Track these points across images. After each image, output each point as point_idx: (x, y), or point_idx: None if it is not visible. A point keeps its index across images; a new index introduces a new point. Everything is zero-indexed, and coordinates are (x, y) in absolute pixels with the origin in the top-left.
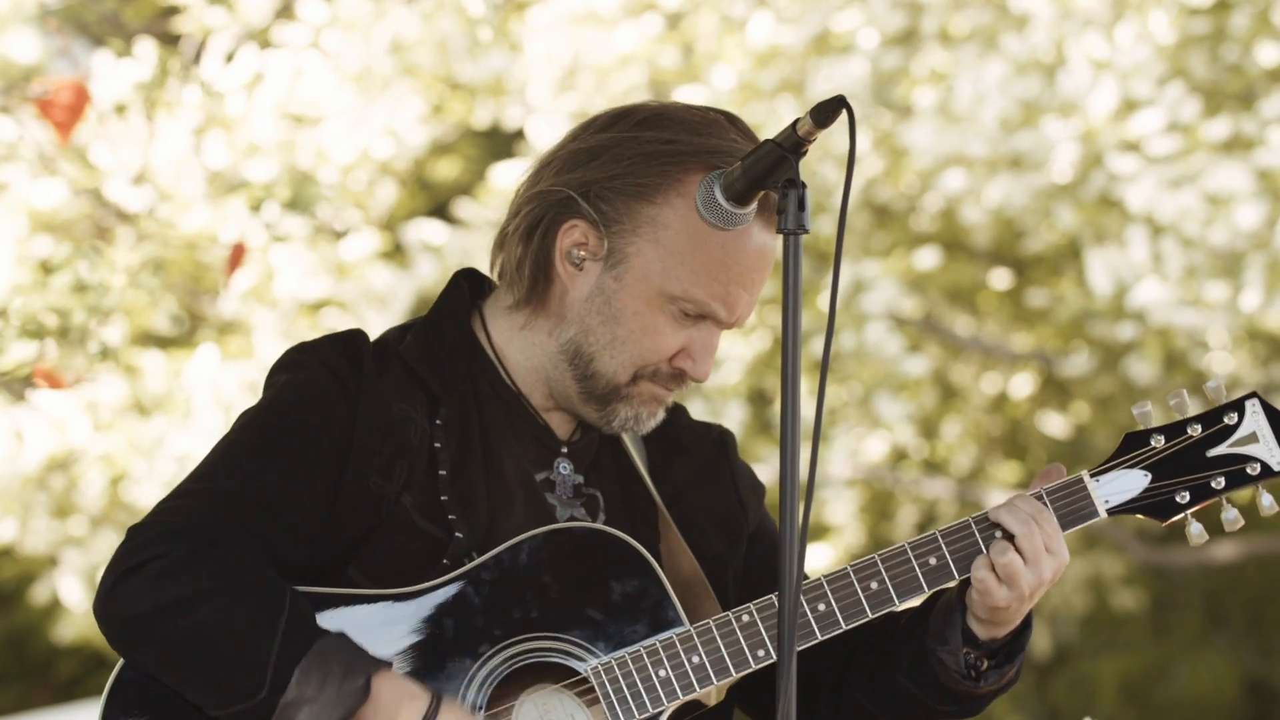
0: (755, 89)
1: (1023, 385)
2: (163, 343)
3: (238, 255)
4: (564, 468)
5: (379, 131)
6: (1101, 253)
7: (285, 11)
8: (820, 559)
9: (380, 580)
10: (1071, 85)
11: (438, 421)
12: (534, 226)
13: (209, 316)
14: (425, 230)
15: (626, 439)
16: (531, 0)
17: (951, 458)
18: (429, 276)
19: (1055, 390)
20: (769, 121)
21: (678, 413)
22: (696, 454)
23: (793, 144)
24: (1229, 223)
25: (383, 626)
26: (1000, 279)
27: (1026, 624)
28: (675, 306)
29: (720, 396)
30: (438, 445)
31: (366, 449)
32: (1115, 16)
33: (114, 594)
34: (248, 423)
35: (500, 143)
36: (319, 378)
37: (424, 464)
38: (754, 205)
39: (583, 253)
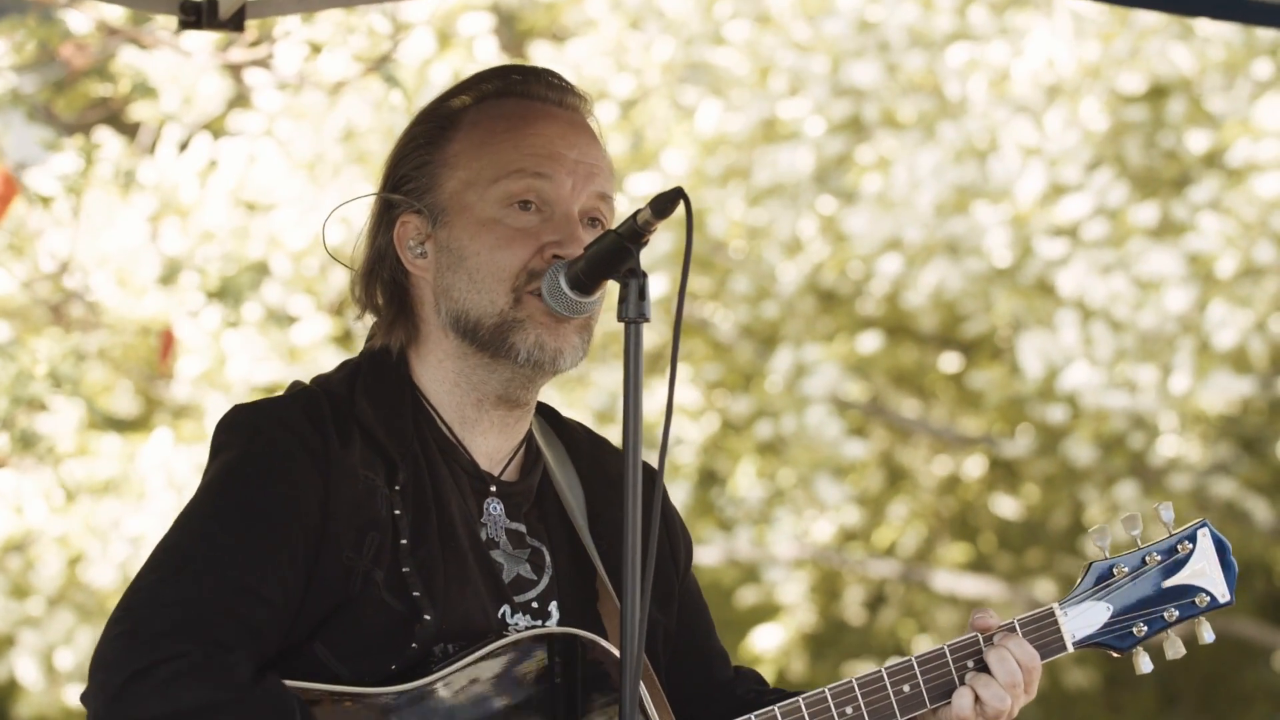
0: (704, 175)
1: (974, 467)
2: (119, 426)
3: (167, 343)
4: (494, 508)
5: (335, 222)
6: (1032, 336)
7: (239, 100)
8: (771, 639)
9: (348, 659)
10: (1002, 170)
11: (396, 488)
12: (376, 256)
13: (164, 400)
14: None
15: (562, 482)
16: None
17: (899, 539)
18: None
19: (1003, 472)
20: (716, 208)
21: (606, 448)
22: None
23: (632, 234)
24: (1159, 307)
25: None
26: (950, 362)
27: None
28: (503, 202)
29: (670, 475)
30: (398, 513)
31: (340, 522)
32: (1048, 103)
33: (122, 696)
34: (217, 494)
35: None
36: (285, 445)
37: (390, 535)
38: (600, 293)
39: (417, 239)
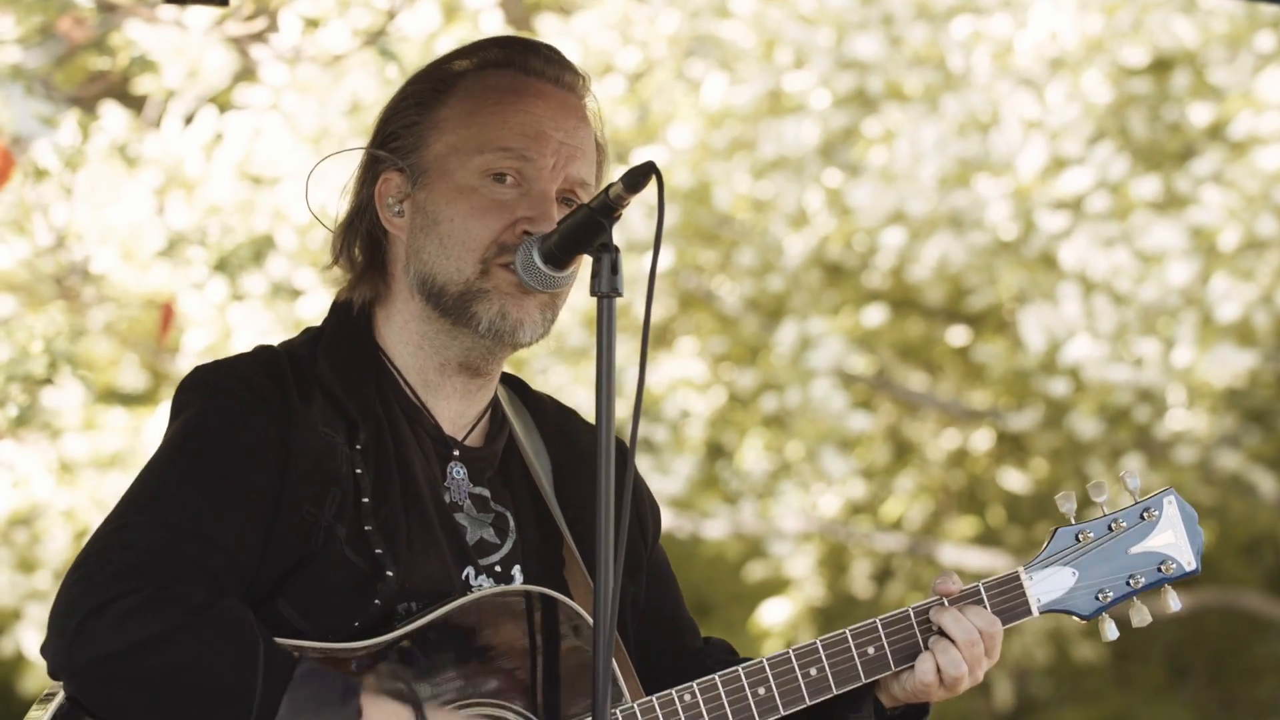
0: (709, 148)
1: (982, 441)
2: (125, 400)
3: (167, 317)
4: (457, 472)
5: (336, 191)
6: (1034, 310)
7: (246, 74)
8: (779, 612)
9: (310, 615)
10: (1003, 144)
11: (358, 446)
12: (357, 210)
13: (170, 374)
14: None
15: (529, 449)
16: None
17: (905, 513)
18: None
19: (1011, 446)
20: (723, 181)
21: (573, 418)
22: (594, 465)
23: (605, 209)
24: (1161, 280)
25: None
26: (957, 336)
27: None
28: (483, 173)
29: (676, 449)
30: (359, 471)
31: (300, 477)
32: (1051, 76)
33: (80, 635)
34: (177, 448)
35: None
36: (244, 400)
37: (351, 492)
38: (573, 267)
39: (397, 197)
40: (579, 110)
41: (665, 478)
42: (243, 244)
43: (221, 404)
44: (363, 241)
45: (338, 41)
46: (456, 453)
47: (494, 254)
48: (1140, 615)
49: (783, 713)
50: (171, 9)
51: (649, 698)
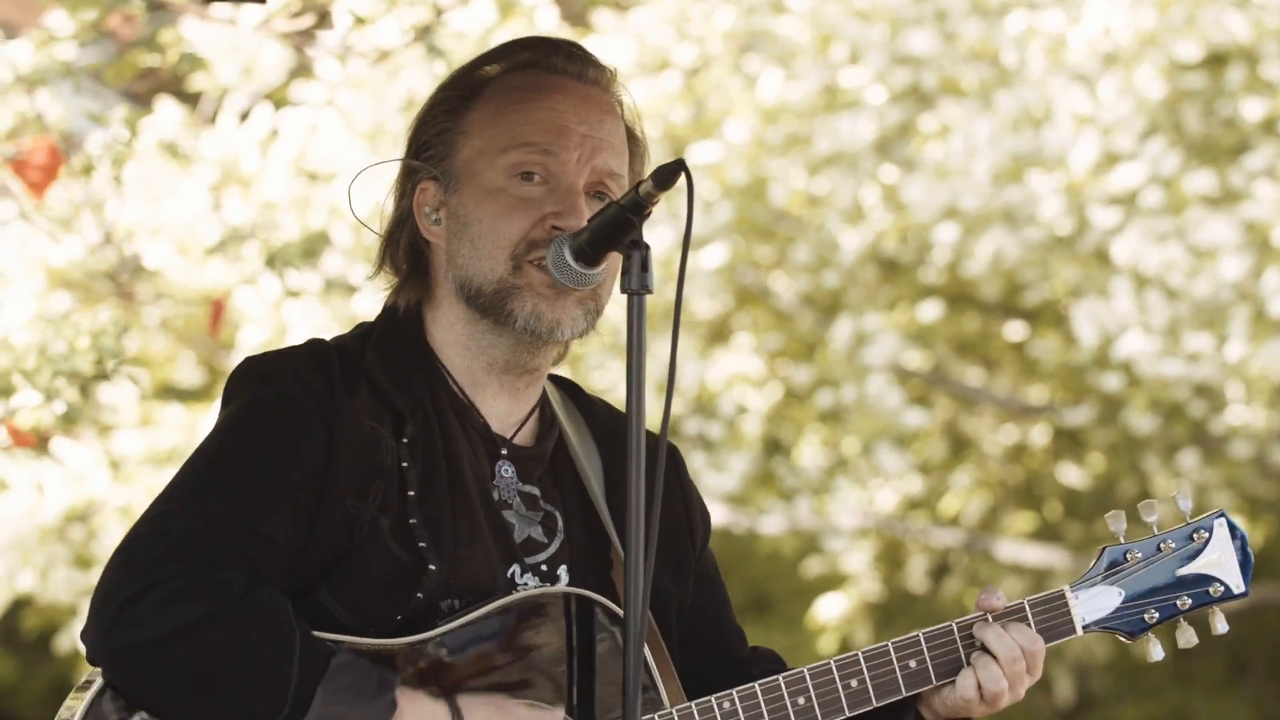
0: (765, 145)
1: (1040, 436)
2: (182, 396)
3: (217, 313)
4: (505, 470)
5: (390, 190)
6: (1087, 304)
7: (301, 71)
8: (834, 607)
9: (352, 607)
10: (1055, 139)
11: (404, 440)
12: (398, 221)
13: (226, 370)
14: None
15: (579, 451)
16: None
17: (963, 508)
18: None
19: (1068, 441)
20: (779, 177)
21: (623, 418)
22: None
23: (635, 206)
24: (1214, 274)
25: (386, 671)
26: (1015, 331)
27: None
28: (509, 172)
29: (734, 445)
30: (405, 465)
31: (344, 469)
32: (1104, 71)
33: (118, 620)
34: (224, 438)
35: None
36: (292, 393)
37: (396, 485)
38: (605, 264)
39: (433, 205)
40: (604, 103)
41: (721, 474)
42: (292, 242)
43: (268, 395)
44: (406, 251)
45: (388, 38)
46: (505, 451)
47: (524, 251)
48: (1186, 636)
49: None
50: (225, 6)
51: (688, 704)
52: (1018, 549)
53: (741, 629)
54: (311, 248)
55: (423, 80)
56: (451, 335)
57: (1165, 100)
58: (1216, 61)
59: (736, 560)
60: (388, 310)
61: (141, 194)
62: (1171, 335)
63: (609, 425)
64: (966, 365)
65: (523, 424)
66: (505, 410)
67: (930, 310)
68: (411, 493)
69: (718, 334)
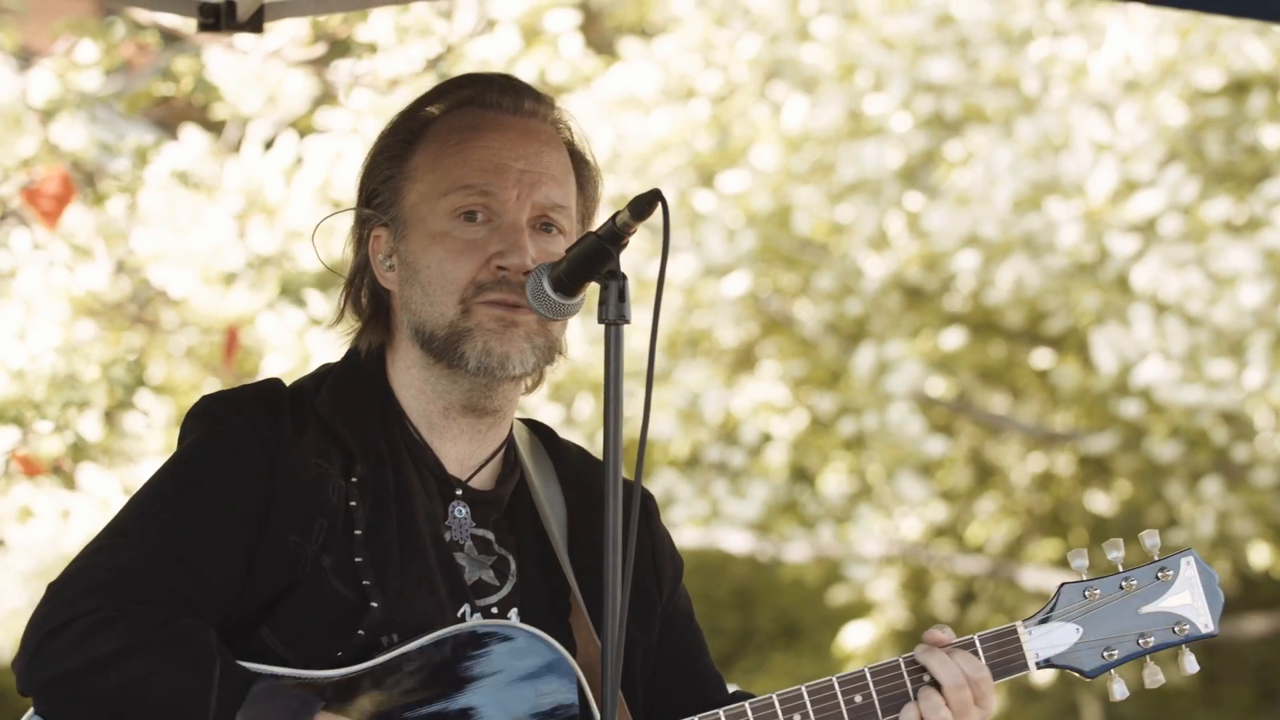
0: (789, 172)
1: (1067, 464)
2: None
3: (231, 342)
4: (459, 512)
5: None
6: (1105, 331)
7: (326, 99)
8: (862, 635)
9: (293, 643)
10: (1074, 167)
11: (354, 479)
12: (356, 269)
13: None
14: None
15: (542, 496)
16: (572, 85)
17: (988, 536)
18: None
19: (1095, 469)
20: (803, 205)
21: (597, 466)
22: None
23: (612, 236)
24: (1233, 302)
25: (312, 698)
26: (1041, 358)
27: None
28: (452, 215)
29: (757, 473)
30: (353, 504)
31: (285, 507)
32: (1124, 98)
33: (39, 653)
34: (166, 476)
35: None
36: (236, 431)
37: (341, 524)
38: (583, 295)
39: (386, 252)
40: (542, 134)
41: (742, 501)
42: (305, 271)
43: (215, 433)
44: (367, 296)
45: (401, 67)
46: (459, 492)
47: (473, 294)
48: (1153, 676)
49: None
50: (247, 36)
51: None
52: (1043, 576)
53: (719, 674)
54: (331, 277)
55: None
56: (409, 378)
57: (1186, 127)
58: (1238, 89)
59: (763, 588)
60: (350, 353)
61: (167, 222)
62: (1191, 362)
63: (577, 471)
64: (991, 393)
65: (482, 466)
66: (465, 453)
67: (953, 338)
68: (358, 531)
69: (743, 361)
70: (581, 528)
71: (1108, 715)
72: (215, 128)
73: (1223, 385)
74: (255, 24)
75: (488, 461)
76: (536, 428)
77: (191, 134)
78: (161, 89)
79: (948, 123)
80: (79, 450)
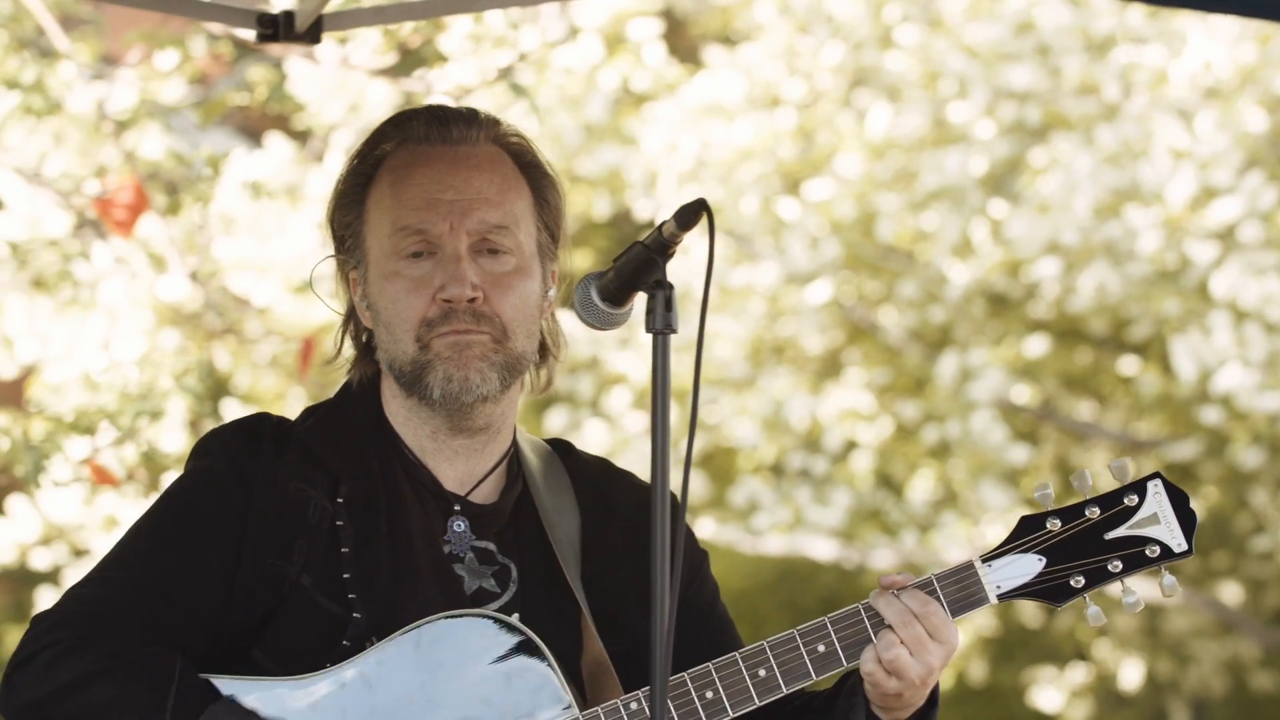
0: (873, 180)
1: (1152, 470)
2: None
3: (307, 352)
4: (458, 525)
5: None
6: (1185, 338)
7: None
8: None
9: (284, 662)
10: (1153, 174)
11: (339, 499)
12: (348, 310)
13: None
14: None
15: (549, 506)
16: (655, 93)
17: None
18: (558, 368)
19: (1180, 475)
20: (886, 213)
21: (617, 478)
22: (629, 522)
23: (660, 246)
24: None
25: (274, 710)
26: (1128, 365)
27: (932, 701)
28: (398, 254)
29: (841, 480)
30: (340, 523)
31: (264, 530)
32: (1204, 105)
33: (8, 686)
34: (150, 511)
35: (630, 232)
36: (217, 464)
37: (324, 543)
38: (631, 305)
39: (360, 294)
40: (472, 159)
41: (825, 509)
42: None
43: (199, 468)
44: (354, 335)
45: (474, 77)
46: (457, 507)
47: (426, 330)
48: (1129, 599)
49: (731, 715)
50: (330, 46)
51: (595, 708)
52: (1131, 582)
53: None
54: None
55: (527, 118)
56: (395, 407)
57: (1265, 134)
58: None
59: (850, 596)
60: (344, 386)
61: (252, 231)
62: (1271, 369)
63: (594, 482)
64: (1076, 400)
65: (481, 480)
66: (462, 470)
67: (1037, 345)
68: (345, 549)
69: (828, 369)
70: (595, 536)
71: None
72: (300, 137)
73: None
74: (314, 34)
75: (488, 475)
76: (555, 443)
77: (276, 143)
78: (236, 99)
79: (1030, 130)
80: (155, 460)
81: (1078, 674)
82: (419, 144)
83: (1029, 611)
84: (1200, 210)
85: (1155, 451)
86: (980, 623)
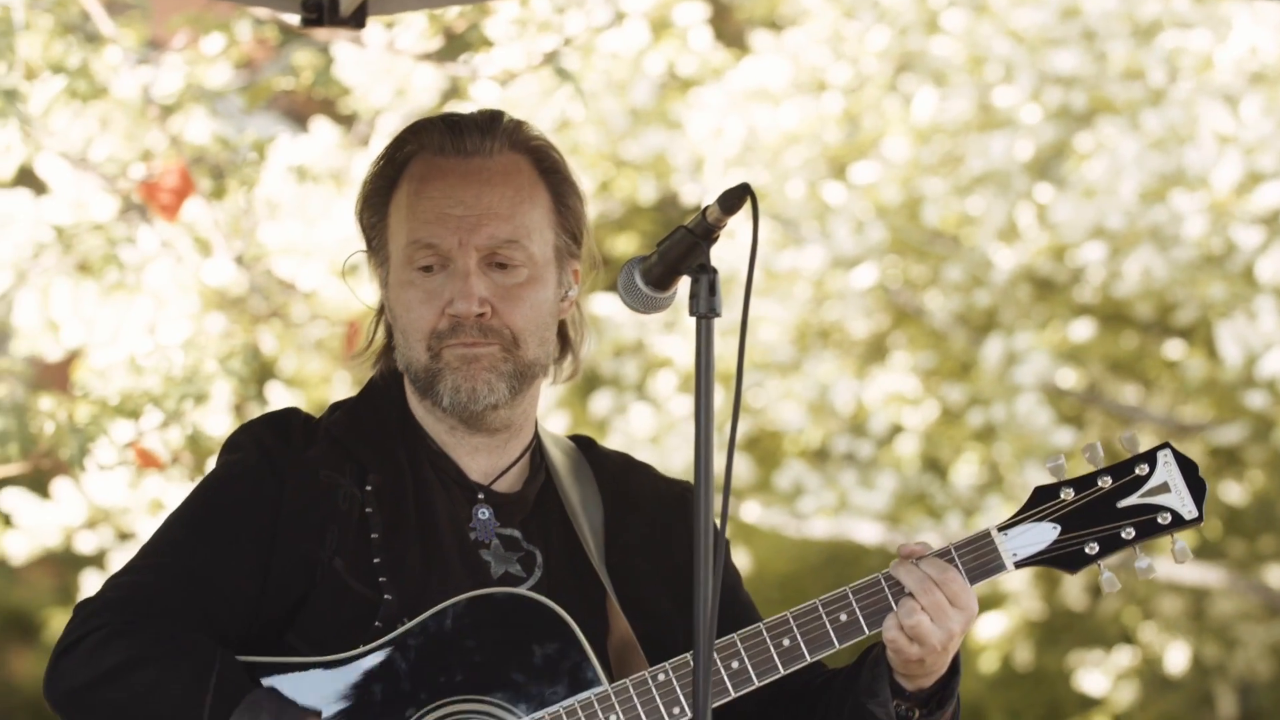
0: (919, 164)
1: (1199, 454)
2: None
3: (352, 335)
4: (482, 513)
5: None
6: (1231, 323)
7: (456, 93)
8: (994, 626)
9: (318, 645)
10: (1198, 159)
11: (368, 488)
12: (381, 305)
13: None
14: (600, 305)
15: (573, 497)
16: (701, 78)
17: None
18: (603, 352)
19: (1227, 459)
20: (932, 197)
21: (639, 471)
22: (650, 513)
23: (704, 230)
24: None
25: (312, 693)
26: (1173, 349)
27: (954, 669)
28: (410, 266)
29: (886, 463)
30: (369, 510)
31: (295, 518)
32: (1249, 89)
33: (54, 671)
34: (187, 502)
35: (676, 216)
36: (250, 456)
37: (354, 529)
38: (674, 289)
39: (384, 293)
40: (484, 172)
41: (870, 493)
42: None
43: (232, 460)
44: (387, 326)
45: (519, 62)
46: (482, 496)
47: (436, 342)
48: (1143, 565)
49: (756, 683)
50: (376, 29)
51: (624, 680)
52: (1176, 567)
53: None
54: None
55: (565, 103)
56: (416, 401)
57: None
58: None
59: None
60: (370, 380)
61: (298, 215)
62: None
63: (615, 476)
64: (1122, 384)
65: (505, 471)
66: (485, 463)
67: (1083, 329)
68: (375, 535)
69: (873, 353)
70: (618, 526)
71: (1244, 705)
72: (345, 121)
73: None
74: (359, 19)
75: (511, 466)
76: (577, 439)
77: (321, 127)
78: (281, 83)
79: (1076, 115)
80: (199, 443)
81: (1123, 657)
82: (435, 155)
83: (1074, 595)
84: (1246, 195)
85: (1200, 435)
86: (1026, 606)
